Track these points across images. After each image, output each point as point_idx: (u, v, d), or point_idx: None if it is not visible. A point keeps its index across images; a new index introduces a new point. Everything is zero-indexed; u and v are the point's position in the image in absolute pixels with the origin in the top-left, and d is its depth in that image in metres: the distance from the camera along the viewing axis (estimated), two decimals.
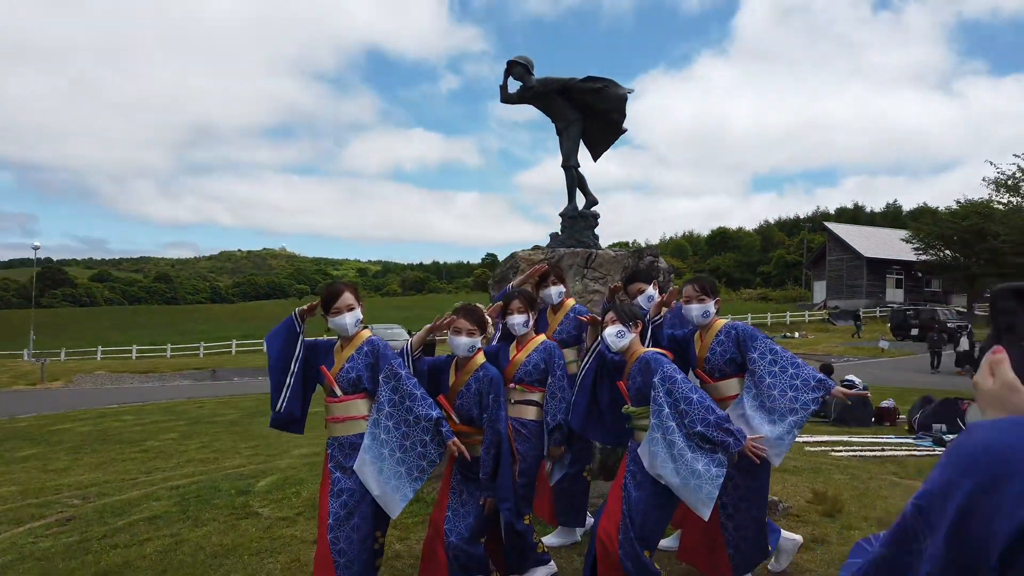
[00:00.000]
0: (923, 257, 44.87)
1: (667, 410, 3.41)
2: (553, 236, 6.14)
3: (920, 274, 48.63)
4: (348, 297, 3.65)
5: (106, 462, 9.51)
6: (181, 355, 33.85)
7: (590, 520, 4.85)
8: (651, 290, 4.53)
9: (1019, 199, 27.48)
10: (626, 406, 3.71)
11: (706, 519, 3.41)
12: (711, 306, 3.95)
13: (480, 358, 3.81)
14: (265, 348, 3.80)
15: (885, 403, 11.33)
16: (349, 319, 3.63)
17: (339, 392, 3.64)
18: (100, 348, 35.88)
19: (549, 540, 4.60)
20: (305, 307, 3.73)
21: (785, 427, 3.64)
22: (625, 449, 3.82)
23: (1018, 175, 26.60)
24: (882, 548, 1.04)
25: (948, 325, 29.46)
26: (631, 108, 6.20)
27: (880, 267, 49.54)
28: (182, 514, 6.13)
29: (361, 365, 3.64)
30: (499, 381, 3.73)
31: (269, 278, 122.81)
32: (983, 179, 27.88)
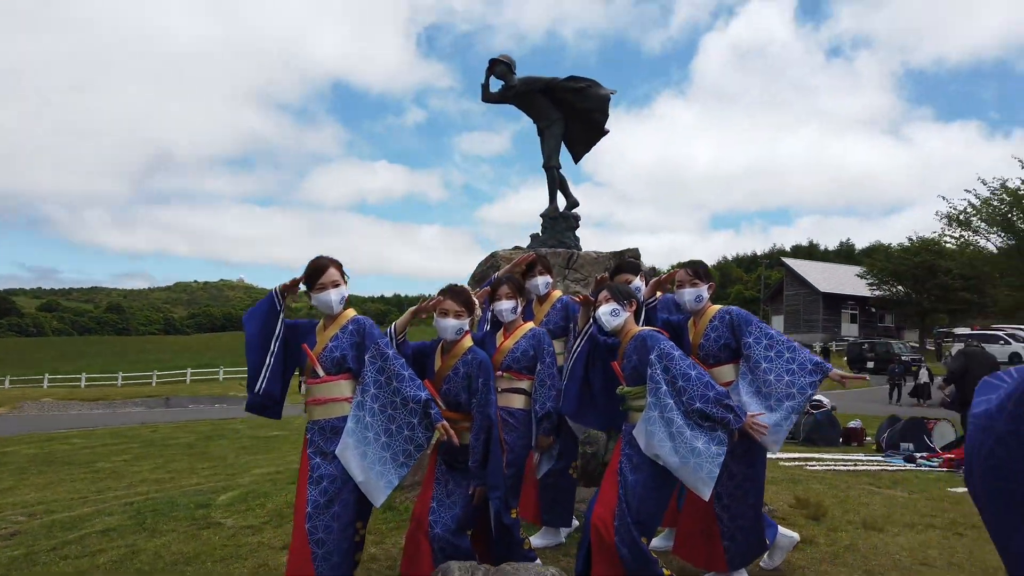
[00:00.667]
0: (877, 292, 45.93)
1: (664, 387, 3.28)
2: (534, 237, 6.04)
3: (874, 309, 49.73)
4: (334, 273, 3.45)
5: (54, 482, 9.02)
6: (133, 384, 32.73)
7: (576, 522, 4.68)
8: (638, 281, 4.43)
9: (970, 233, 28.37)
10: (621, 387, 3.57)
11: (706, 499, 3.27)
12: (704, 290, 3.86)
13: (468, 341, 3.65)
14: (244, 327, 3.57)
15: (852, 424, 11.39)
16: (334, 296, 3.44)
17: (321, 372, 3.42)
18: (47, 376, 34.55)
19: (534, 541, 4.41)
20: (287, 283, 3.52)
21: (783, 413, 3.53)
22: (614, 439, 3.68)
23: (969, 210, 27.46)
24: None
25: (903, 358, 30.06)
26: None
27: (836, 302, 50.56)
28: (138, 526, 5.78)
29: (346, 344, 3.45)
30: (488, 365, 3.56)
31: (225, 309, 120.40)
32: (936, 213, 28.77)
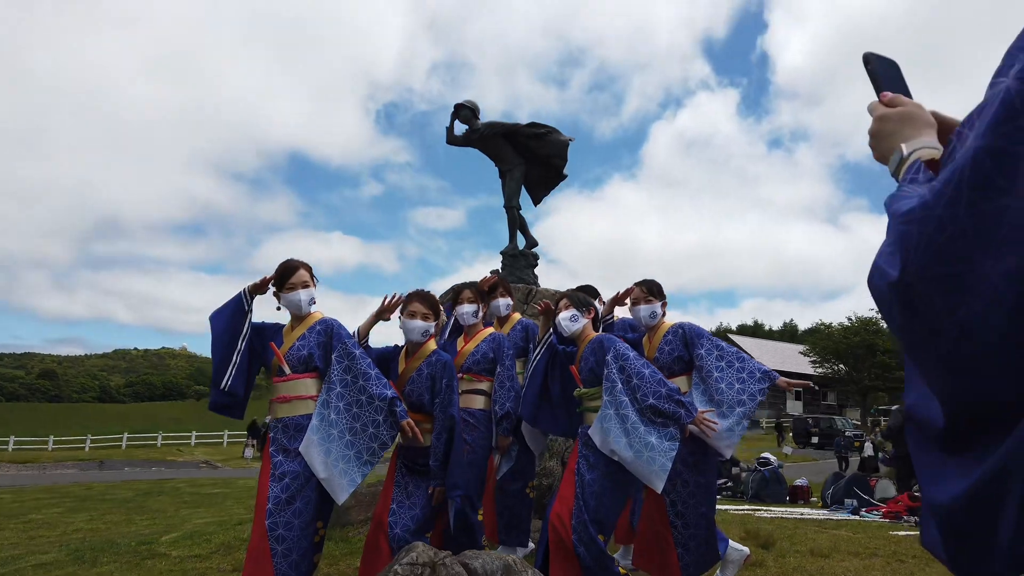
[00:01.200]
0: (819, 371, 47.08)
1: (620, 385, 3.46)
2: (494, 272, 6.22)
3: (817, 387, 50.85)
4: (304, 274, 3.55)
5: None
6: (65, 448, 31.25)
7: (531, 545, 4.70)
8: (596, 304, 4.63)
9: None
10: (578, 389, 3.73)
11: (659, 491, 3.41)
12: (658, 307, 4.07)
13: (432, 344, 3.76)
14: (210, 325, 3.60)
15: (799, 481, 11.59)
16: (304, 296, 3.52)
17: (288, 370, 3.47)
18: None
19: None
20: (257, 282, 3.59)
21: (734, 418, 3.71)
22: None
23: None
24: (979, 139, 0.79)
25: (846, 434, 30.77)
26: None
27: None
28: (76, 561, 5.56)
29: (313, 343, 3.52)
30: (452, 366, 3.68)
31: (166, 378, 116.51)
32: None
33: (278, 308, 3.59)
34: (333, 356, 3.48)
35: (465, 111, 6.30)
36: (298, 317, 3.59)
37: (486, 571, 2.74)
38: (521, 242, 6.35)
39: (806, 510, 9.85)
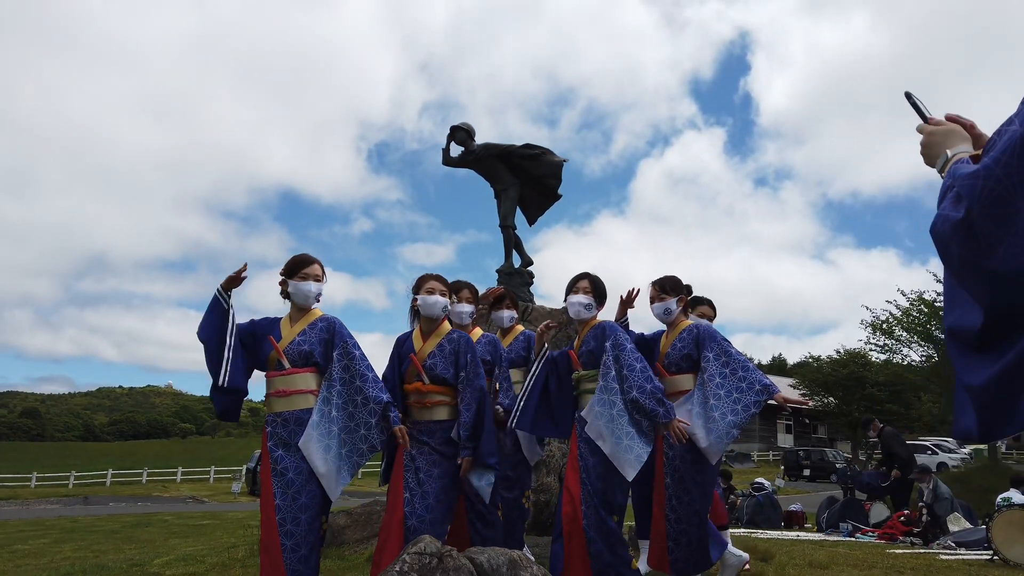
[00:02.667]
0: (810, 403, 47.14)
1: (613, 373, 3.64)
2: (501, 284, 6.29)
3: (807, 420, 50.82)
4: (318, 268, 3.58)
5: None
6: (48, 485, 30.70)
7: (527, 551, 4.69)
8: None
9: (893, 342, 29.83)
10: (576, 372, 3.80)
11: (629, 479, 3.53)
12: (672, 303, 4.11)
13: (448, 324, 3.86)
14: (199, 337, 3.54)
15: (794, 507, 11.58)
16: (315, 288, 3.55)
17: (287, 364, 3.47)
18: None
19: None
20: (231, 275, 3.52)
21: (724, 427, 3.77)
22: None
23: (891, 320, 28.98)
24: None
25: (838, 466, 30.77)
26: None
27: (771, 413, 51.53)
28: None
29: (315, 339, 3.53)
30: (472, 343, 3.77)
31: (151, 416, 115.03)
32: (861, 321, 30.21)
33: (284, 295, 3.60)
34: (335, 354, 3.51)
35: (461, 133, 6.43)
36: (301, 310, 3.59)
37: (491, 566, 2.76)
38: (517, 261, 6.44)
39: (802, 533, 9.84)
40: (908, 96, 1.63)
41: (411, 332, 3.86)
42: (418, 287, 3.82)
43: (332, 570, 4.81)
